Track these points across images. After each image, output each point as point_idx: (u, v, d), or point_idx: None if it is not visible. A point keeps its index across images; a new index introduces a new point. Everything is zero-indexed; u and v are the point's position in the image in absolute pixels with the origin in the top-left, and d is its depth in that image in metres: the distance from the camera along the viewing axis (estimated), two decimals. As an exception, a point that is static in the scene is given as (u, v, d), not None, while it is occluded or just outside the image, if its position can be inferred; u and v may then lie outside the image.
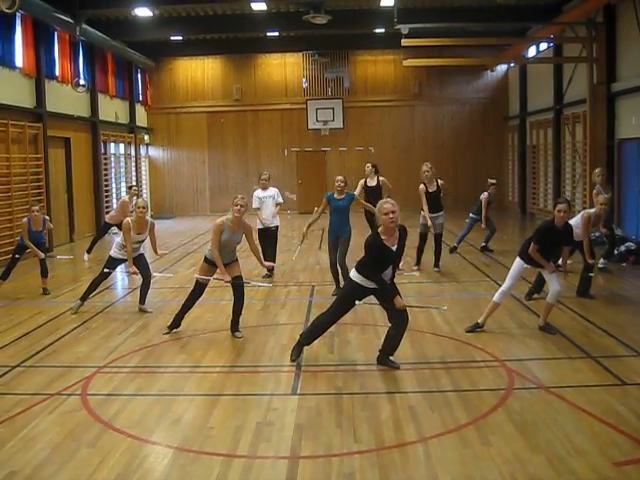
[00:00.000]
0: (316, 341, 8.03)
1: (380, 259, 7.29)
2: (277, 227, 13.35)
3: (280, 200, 13.43)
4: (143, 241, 10.46)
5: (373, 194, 13.80)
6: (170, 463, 5.28)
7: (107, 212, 22.17)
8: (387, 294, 7.41)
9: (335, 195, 11.27)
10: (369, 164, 14.63)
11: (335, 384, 7.06)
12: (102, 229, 17.06)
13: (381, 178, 14.38)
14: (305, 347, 7.88)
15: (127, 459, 5.34)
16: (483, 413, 6.09)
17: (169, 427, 6.01)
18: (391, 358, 7.52)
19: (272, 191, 13.27)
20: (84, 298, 10.62)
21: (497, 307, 8.90)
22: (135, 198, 15.17)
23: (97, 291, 10.94)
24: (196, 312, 10.40)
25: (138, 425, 6.02)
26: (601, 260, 12.73)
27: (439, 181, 13.15)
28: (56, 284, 12.73)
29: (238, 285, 8.95)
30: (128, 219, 10.31)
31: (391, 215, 7.10)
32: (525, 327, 9.09)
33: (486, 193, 15.37)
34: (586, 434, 5.56)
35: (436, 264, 13.39)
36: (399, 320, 7.45)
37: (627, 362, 7.44)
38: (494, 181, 15.76)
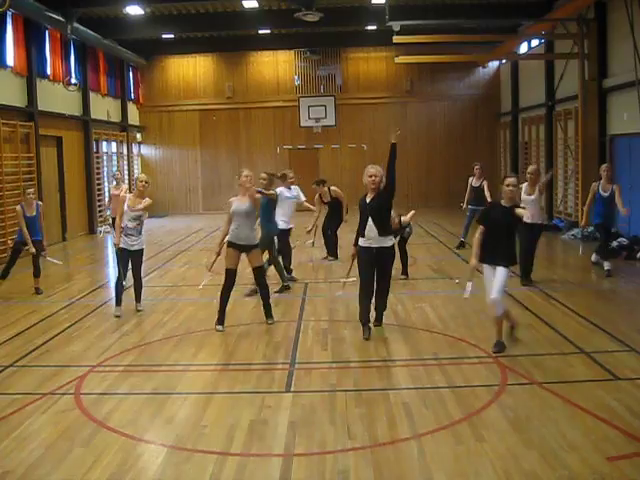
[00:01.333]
0: (310, 338, 8.17)
1: (360, 210, 8.58)
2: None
3: (302, 198, 13.09)
4: (140, 217, 10.15)
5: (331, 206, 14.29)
6: (164, 462, 5.28)
7: (101, 211, 22.22)
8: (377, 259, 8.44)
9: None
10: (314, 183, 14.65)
11: (329, 381, 7.06)
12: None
13: (332, 188, 14.40)
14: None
15: (121, 458, 5.33)
16: (477, 409, 6.10)
17: (163, 426, 6.01)
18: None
19: (297, 190, 12.85)
20: (119, 302, 10.19)
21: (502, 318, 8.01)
22: (122, 184, 15.27)
23: (91, 289, 10.91)
24: (189, 310, 10.42)
25: (132, 424, 6.01)
26: (594, 255, 12.79)
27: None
28: (48, 283, 12.69)
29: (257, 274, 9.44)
30: (126, 195, 10.27)
31: (373, 178, 8.45)
32: (518, 323, 9.08)
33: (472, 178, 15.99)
34: (579, 429, 5.58)
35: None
36: (382, 289, 8.66)
37: (620, 357, 7.46)
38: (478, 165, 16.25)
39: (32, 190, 12.39)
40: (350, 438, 5.60)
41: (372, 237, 8.41)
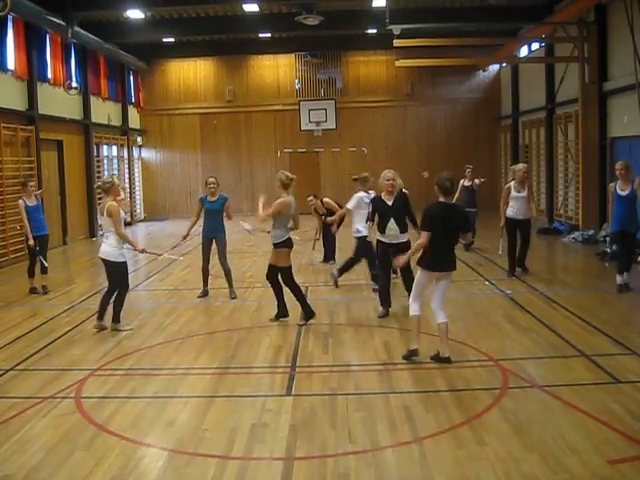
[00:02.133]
0: (310, 342, 8.22)
1: (381, 212, 9.59)
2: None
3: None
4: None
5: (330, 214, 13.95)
6: (165, 465, 5.27)
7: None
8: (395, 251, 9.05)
9: (208, 197, 11.57)
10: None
11: (330, 385, 7.06)
12: None
13: (325, 200, 14.41)
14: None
15: (121, 462, 5.32)
16: (478, 412, 6.09)
17: (163, 429, 6.00)
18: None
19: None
20: (116, 320, 9.54)
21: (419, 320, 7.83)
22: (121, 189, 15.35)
23: (91, 293, 10.88)
24: (189, 314, 10.42)
25: (132, 427, 6.01)
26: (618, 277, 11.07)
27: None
28: (49, 287, 12.68)
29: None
30: (114, 203, 9.39)
31: (390, 182, 9.59)
32: (518, 326, 9.10)
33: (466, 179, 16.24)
34: (580, 432, 5.57)
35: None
36: (408, 278, 9.57)
37: (621, 360, 7.45)
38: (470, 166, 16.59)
39: (33, 183, 13.07)
40: (351, 442, 5.59)
41: (392, 234, 9.48)
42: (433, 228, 7.48)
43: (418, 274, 7.75)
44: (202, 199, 11.63)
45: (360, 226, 11.11)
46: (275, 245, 9.41)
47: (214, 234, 11.42)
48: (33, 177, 14.13)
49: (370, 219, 9.80)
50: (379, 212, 9.63)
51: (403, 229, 9.58)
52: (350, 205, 11.35)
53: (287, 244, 9.41)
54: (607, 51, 16.93)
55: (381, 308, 9.84)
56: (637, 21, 14.79)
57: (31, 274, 12.41)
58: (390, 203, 9.59)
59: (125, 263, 9.53)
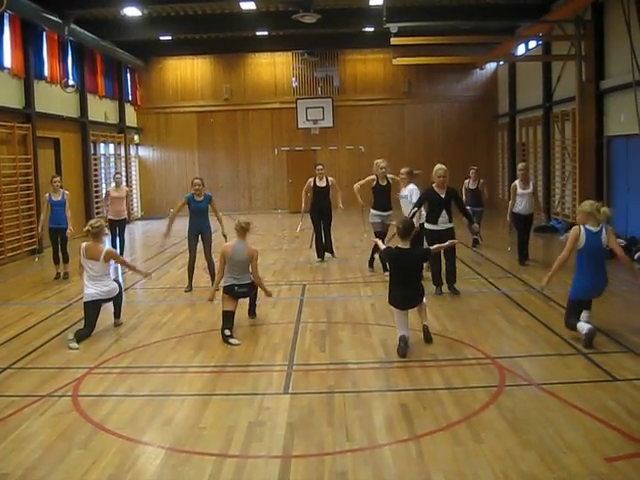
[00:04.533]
0: (308, 339, 8.34)
1: (434, 202, 10.95)
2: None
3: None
4: None
5: (321, 195, 14.29)
6: (162, 463, 5.27)
7: (99, 213, 22.14)
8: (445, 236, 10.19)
9: (195, 197, 11.91)
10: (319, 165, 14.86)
11: (327, 383, 7.06)
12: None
13: (330, 179, 14.51)
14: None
15: (119, 460, 5.32)
16: (475, 410, 6.10)
17: (161, 427, 6.00)
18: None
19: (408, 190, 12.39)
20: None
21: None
22: (122, 185, 15.57)
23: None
24: (187, 312, 10.42)
25: (130, 426, 6.01)
26: None
27: (389, 176, 13.32)
28: (46, 285, 12.69)
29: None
30: (110, 248, 9.67)
31: (442, 178, 10.85)
32: (516, 324, 9.11)
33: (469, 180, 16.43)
34: (578, 430, 5.58)
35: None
36: (452, 262, 11.10)
37: (618, 358, 7.46)
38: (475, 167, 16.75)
39: (58, 178, 13.82)
40: (348, 439, 5.59)
41: (444, 222, 10.84)
42: (393, 270, 8.20)
43: (394, 314, 8.16)
44: (189, 199, 11.94)
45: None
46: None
47: (200, 230, 11.88)
48: (56, 175, 14.22)
49: (417, 206, 10.98)
50: (431, 202, 10.97)
51: (450, 218, 10.94)
52: (414, 198, 11.69)
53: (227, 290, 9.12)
54: (604, 49, 16.93)
55: (435, 287, 11.00)
56: (634, 19, 14.79)
57: (56, 261, 13.49)
58: (443, 195, 10.87)
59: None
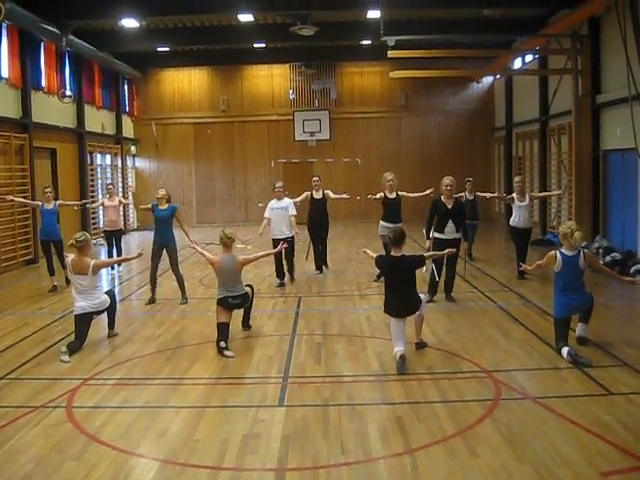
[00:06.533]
0: (303, 352, 8.35)
1: (441, 213, 11.18)
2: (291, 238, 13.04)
3: (293, 212, 13.24)
4: None
5: (318, 206, 14.42)
6: (156, 476, 5.25)
7: (95, 223, 22.11)
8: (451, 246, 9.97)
9: (159, 206, 11.96)
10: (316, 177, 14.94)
11: (322, 395, 7.04)
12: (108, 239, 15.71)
13: (326, 191, 14.60)
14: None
15: (113, 472, 5.30)
16: (470, 424, 6.08)
17: (155, 440, 5.97)
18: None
19: (285, 202, 13.25)
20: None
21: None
22: (115, 195, 15.58)
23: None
24: (182, 324, 10.39)
25: (124, 438, 5.98)
26: None
27: (400, 192, 13.61)
28: (41, 296, 12.65)
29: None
30: (97, 261, 9.47)
31: (449, 187, 11.18)
32: (512, 337, 9.11)
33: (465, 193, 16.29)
34: (573, 444, 5.57)
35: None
36: (450, 267, 11.28)
37: (613, 372, 7.46)
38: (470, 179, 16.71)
39: (50, 189, 13.94)
40: (343, 453, 5.58)
41: (450, 232, 11.07)
42: (387, 278, 8.22)
43: (391, 323, 8.06)
44: (153, 205, 12.08)
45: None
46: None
47: (165, 243, 11.89)
48: (48, 186, 14.36)
49: (428, 220, 11.37)
50: (439, 213, 11.21)
51: (457, 229, 11.17)
52: (265, 214, 12.99)
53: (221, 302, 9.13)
54: (600, 64, 17.01)
55: (427, 294, 10.99)
56: (630, 34, 14.86)
57: (51, 273, 13.32)
58: (450, 206, 11.18)
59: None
